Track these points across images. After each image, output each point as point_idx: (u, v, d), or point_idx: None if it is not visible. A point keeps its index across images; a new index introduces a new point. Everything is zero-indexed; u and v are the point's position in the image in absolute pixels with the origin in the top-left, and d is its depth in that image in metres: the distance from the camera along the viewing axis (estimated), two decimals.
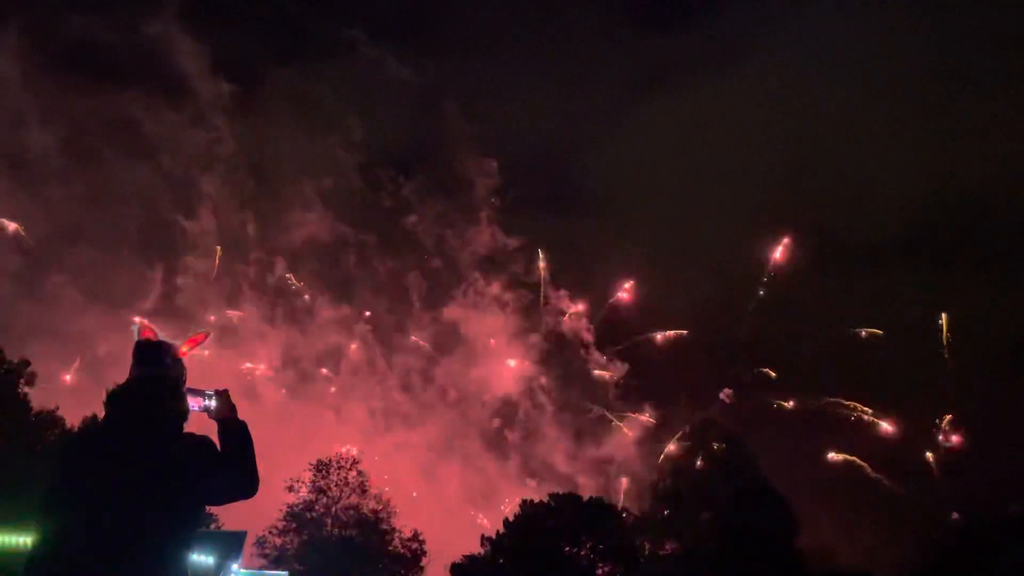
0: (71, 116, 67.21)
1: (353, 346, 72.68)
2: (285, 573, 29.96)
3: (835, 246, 72.15)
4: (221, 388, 3.80)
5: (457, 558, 50.51)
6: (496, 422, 72.84)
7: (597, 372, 71.69)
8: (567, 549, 48.74)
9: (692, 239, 78.50)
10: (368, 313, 73.25)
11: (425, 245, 75.51)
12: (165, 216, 69.55)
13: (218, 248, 69.91)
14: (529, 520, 49.86)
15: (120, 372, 3.68)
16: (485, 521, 60.46)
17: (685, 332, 70.49)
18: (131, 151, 68.84)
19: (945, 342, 65.41)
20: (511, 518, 50.92)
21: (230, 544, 25.56)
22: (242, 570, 26.01)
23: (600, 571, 48.72)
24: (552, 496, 52.32)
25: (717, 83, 78.09)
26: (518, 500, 53.78)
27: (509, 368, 73.41)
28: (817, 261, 71.01)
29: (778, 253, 69.29)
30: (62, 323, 63.13)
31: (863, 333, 66.80)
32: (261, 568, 41.62)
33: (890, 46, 72.96)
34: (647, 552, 50.25)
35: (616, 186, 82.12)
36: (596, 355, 72.83)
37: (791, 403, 67.31)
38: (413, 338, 74.19)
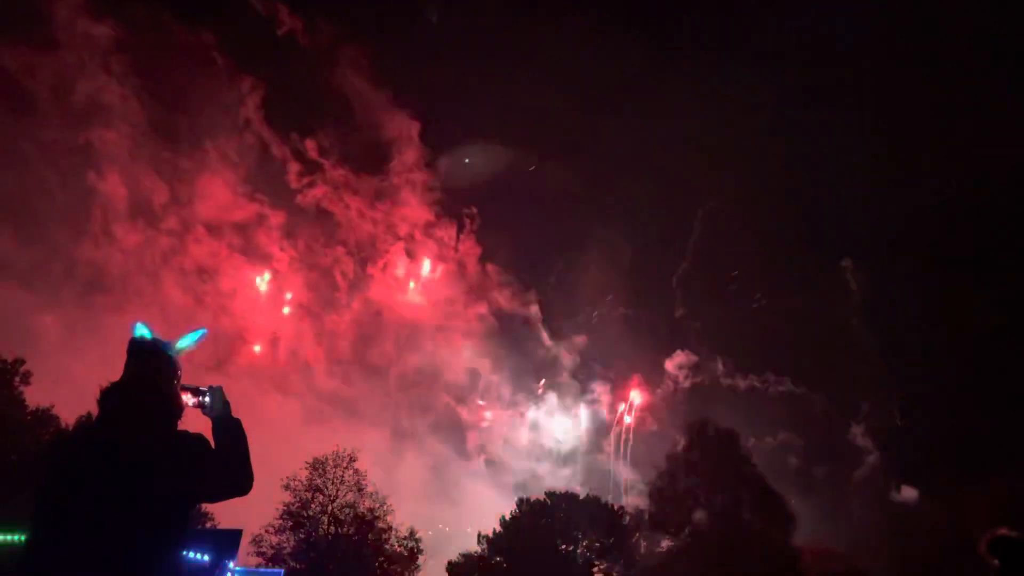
0: None
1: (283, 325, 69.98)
2: (281, 571, 29.90)
3: (820, 244, 72.15)
4: (216, 385, 3.80)
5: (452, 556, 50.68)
6: (447, 405, 70.95)
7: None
8: (564, 547, 48.82)
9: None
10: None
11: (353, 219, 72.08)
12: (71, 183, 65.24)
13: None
14: (525, 518, 49.95)
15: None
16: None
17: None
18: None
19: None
20: (507, 516, 51.06)
21: (226, 542, 25.56)
22: (238, 568, 25.98)
23: (597, 569, 48.81)
24: (548, 494, 52.42)
25: (702, 81, 76.81)
26: (476, 487, 53.52)
27: (454, 349, 71.31)
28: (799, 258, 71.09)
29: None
30: None
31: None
32: (257, 567, 41.59)
33: (878, 45, 72.31)
34: (644, 550, 50.34)
35: (582, 177, 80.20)
36: (544, 334, 71.61)
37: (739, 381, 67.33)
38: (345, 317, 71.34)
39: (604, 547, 49.18)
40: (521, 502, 51.95)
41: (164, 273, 67.72)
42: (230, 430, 3.68)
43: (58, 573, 3.11)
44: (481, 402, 71.61)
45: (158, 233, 67.14)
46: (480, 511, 63.51)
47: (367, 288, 72.09)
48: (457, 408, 71.57)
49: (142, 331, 3.78)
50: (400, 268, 72.31)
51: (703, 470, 50.46)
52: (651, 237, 78.48)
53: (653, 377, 71.07)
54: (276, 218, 69.68)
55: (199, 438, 3.54)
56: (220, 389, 3.80)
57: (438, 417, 71.84)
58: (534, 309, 72.50)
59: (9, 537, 17.62)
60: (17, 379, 41.83)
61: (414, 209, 72.03)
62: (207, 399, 3.77)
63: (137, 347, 3.71)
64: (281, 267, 70.51)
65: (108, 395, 3.56)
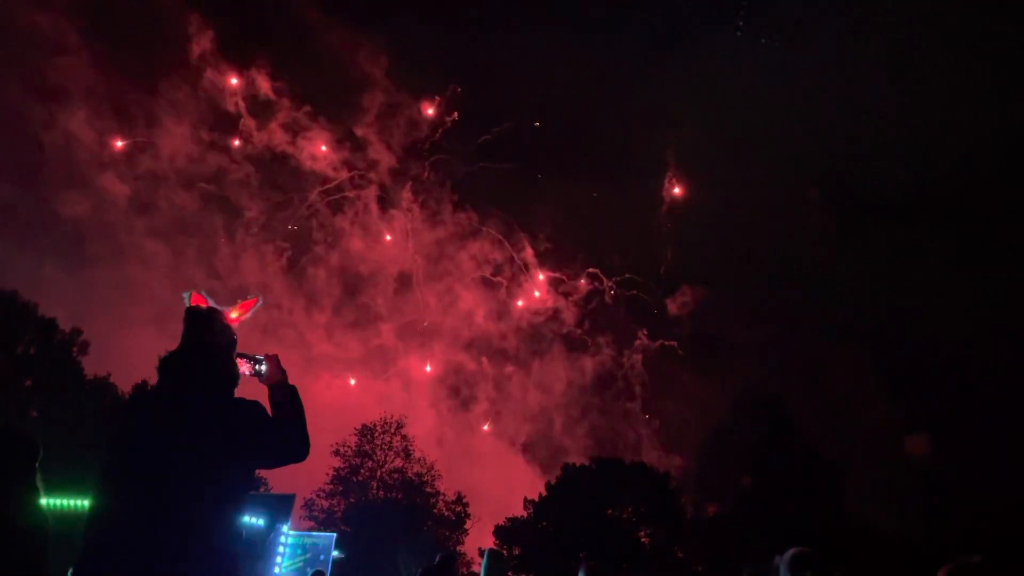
0: None
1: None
2: (333, 535, 30.50)
3: (873, 207, 69.44)
4: (271, 353, 3.83)
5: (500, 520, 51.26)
6: (447, 359, 68.87)
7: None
8: (610, 512, 49.06)
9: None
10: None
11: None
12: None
13: None
14: (571, 483, 50.27)
15: None
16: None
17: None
18: None
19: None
20: (553, 481, 51.45)
21: (280, 507, 26.06)
22: (292, 532, 26.54)
23: (643, 534, 49.00)
24: (593, 459, 52.70)
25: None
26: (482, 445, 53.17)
27: (447, 300, 68.84)
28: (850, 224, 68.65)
29: None
30: None
31: None
32: (309, 530, 42.56)
33: None
34: (690, 515, 50.38)
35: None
36: (539, 281, 69.16)
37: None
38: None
39: (650, 512, 49.31)
40: (566, 467, 52.33)
41: (139, 226, 66.17)
42: (286, 397, 3.72)
43: (124, 537, 3.17)
44: (483, 357, 70.51)
45: (126, 184, 65.41)
46: (490, 470, 63.25)
47: (346, 238, 69.90)
48: (458, 362, 70.24)
49: (198, 300, 3.82)
50: (380, 216, 69.84)
51: (750, 435, 50.15)
52: (630, 176, 75.95)
53: (654, 323, 69.13)
54: (245, 167, 67.42)
55: (256, 405, 3.58)
56: (276, 357, 3.84)
57: (440, 373, 70.38)
58: (525, 256, 70.05)
59: (73, 502, 18.21)
60: (75, 349, 43.14)
61: (385, 154, 69.07)
62: (263, 367, 3.80)
63: (194, 316, 3.76)
64: (257, 217, 68.60)
65: (167, 363, 3.61)
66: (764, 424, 49.86)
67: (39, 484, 3.88)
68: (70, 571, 3.22)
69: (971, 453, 49.37)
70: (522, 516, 50.52)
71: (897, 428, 57.37)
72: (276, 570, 24.19)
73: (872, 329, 63.86)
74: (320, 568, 18.26)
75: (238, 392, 3.69)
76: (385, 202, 68.15)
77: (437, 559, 10.24)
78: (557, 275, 68.16)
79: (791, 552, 4.55)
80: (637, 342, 66.93)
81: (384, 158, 67.51)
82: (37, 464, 3.92)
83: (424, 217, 68.64)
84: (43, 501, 3.94)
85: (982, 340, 56.80)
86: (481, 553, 48.61)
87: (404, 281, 68.92)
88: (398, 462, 49.76)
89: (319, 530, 43.43)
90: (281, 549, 24.69)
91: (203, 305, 3.82)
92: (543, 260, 68.16)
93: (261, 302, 3.99)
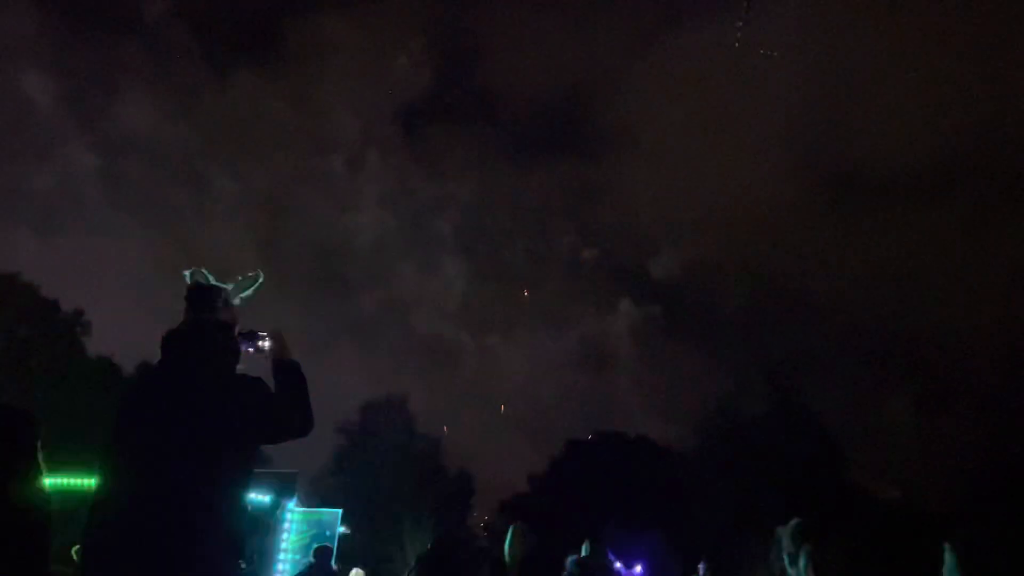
0: None
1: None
2: (339, 511, 30.67)
3: (855, 180, 68.87)
4: (275, 329, 3.82)
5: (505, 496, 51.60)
6: (425, 329, 68.02)
7: None
8: (613, 486, 49.27)
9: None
10: None
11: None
12: None
13: None
14: (574, 458, 50.50)
15: None
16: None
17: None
18: None
19: None
20: (553, 456, 51.79)
21: (284, 484, 26.19)
22: (297, 508, 26.70)
23: (647, 507, 49.21)
24: (596, 434, 52.96)
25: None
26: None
27: (422, 268, 67.74)
28: (833, 195, 68.23)
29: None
30: None
31: None
32: (315, 507, 42.78)
33: None
34: (693, 489, 50.54)
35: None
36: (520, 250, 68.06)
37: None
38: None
39: (654, 486, 49.52)
40: (569, 443, 52.58)
41: (106, 196, 65.34)
42: (289, 373, 3.71)
43: (129, 516, 3.17)
44: (464, 328, 70.25)
45: (92, 153, 64.68)
46: (482, 445, 63.19)
47: (312, 205, 69.11)
48: (436, 332, 69.79)
49: (199, 277, 3.80)
50: (353, 181, 69.04)
51: (750, 407, 50.24)
52: (611, 144, 75.58)
53: (637, 290, 68.85)
54: (208, 133, 66.53)
55: (258, 381, 3.58)
56: (279, 333, 3.83)
57: (415, 342, 69.78)
58: (505, 224, 69.32)
59: (79, 481, 18.32)
60: (78, 329, 43.22)
61: (349, 118, 68.11)
62: (266, 343, 3.80)
63: (196, 294, 3.74)
64: (225, 185, 67.54)
65: (169, 340, 3.61)
66: (766, 395, 49.93)
67: (40, 462, 3.88)
68: (74, 549, 3.22)
69: (964, 417, 49.38)
70: (526, 492, 50.84)
71: (888, 392, 57.18)
72: (282, 546, 24.38)
73: (856, 294, 63.73)
74: (326, 544, 18.36)
75: (240, 369, 3.69)
76: (357, 167, 67.44)
77: (446, 537, 10.37)
78: (538, 244, 67.93)
79: (793, 522, 4.57)
80: (620, 308, 66.79)
81: (355, 122, 66.57)
82: (38, 442, 3.92)
83: (399, 182, 67.94)
84: (46, 480, 3.93)
85: (970, 305, 56.76)
86: (485, 528, 49.08)
87: (382, 251, 68.31)
88: (402, 438, 50.01)
89: (324, 506, 43.72)
90: (287, 525, 24.85)
91: (204, 283, 3.80)
92: (523, 230, 67.79)
93: (262, 278, 3.97)
